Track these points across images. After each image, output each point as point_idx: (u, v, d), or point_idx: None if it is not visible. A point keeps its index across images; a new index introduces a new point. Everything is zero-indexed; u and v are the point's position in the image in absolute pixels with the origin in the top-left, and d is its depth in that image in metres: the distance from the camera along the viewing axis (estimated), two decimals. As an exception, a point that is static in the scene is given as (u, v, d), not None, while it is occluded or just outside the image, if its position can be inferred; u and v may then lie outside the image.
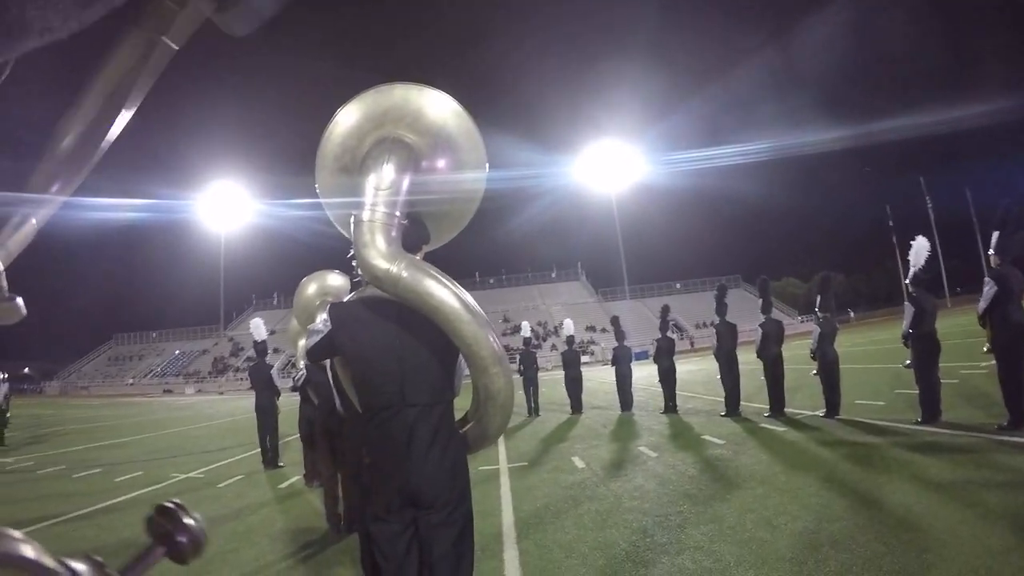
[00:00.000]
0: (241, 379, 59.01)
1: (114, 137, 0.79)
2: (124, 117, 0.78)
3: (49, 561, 0.39)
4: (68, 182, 0.78)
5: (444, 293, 2.30)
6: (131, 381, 69.31)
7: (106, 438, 17.98)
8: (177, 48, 0.75)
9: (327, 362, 4.92)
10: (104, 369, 76.48)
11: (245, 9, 0.67)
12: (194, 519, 0.73)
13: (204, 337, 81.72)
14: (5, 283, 0.76)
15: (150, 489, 8.97)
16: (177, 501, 0.75)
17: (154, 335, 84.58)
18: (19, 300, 0.79)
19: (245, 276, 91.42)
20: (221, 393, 55.65)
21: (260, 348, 10.39)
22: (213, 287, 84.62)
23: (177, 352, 77.20)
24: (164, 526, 0.73)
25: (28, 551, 0.39)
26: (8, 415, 17.90)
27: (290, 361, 10.50)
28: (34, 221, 0.78)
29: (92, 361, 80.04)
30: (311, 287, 5.71)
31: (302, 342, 7.78)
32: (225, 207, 79.78)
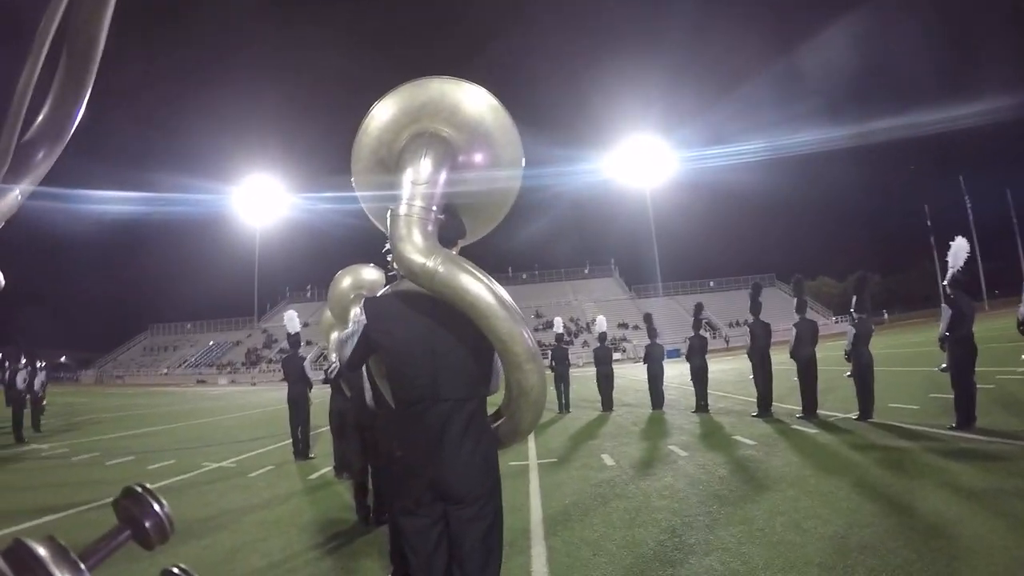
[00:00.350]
0: (274, 371, 59.61)
1: (89, 89, 0.78)
2: (94, 61, 0.77)
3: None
4: (51, 149, 0.78)
5: (480, 288, 2.30)
6: (165, 371, 70.42)
7: (139, 427, 18.30)
8: None
9: None
10: (139, 359, 77.73)
11: None
12: (161, 504, 0.74)
13: (238, 329, 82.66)
14: None
15: (181, 477, 9.11)
16: (145, 485, 0.76)
17: (189, 326, 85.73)
18: None
19: (279, 269, 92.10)
20: (253, 384, 56.30)
21: (293, 340, 10.49)
22: (248, 279, 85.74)
23: (211, 343, 78.17)
24: (130, 509, 0.74)
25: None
26: (44, 402, 18.26)
27: (322, 353, 10.58)
28: (17, 192, 0.78)
29: (128, 351, 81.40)
30: (346, 280, 5.75)
31: (334, 335, 7.82)
32: (261, 200, 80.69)
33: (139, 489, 0.76)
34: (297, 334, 10.46)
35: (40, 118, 0.76)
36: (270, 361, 66.82)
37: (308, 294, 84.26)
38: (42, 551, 0.53)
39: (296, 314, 10.72)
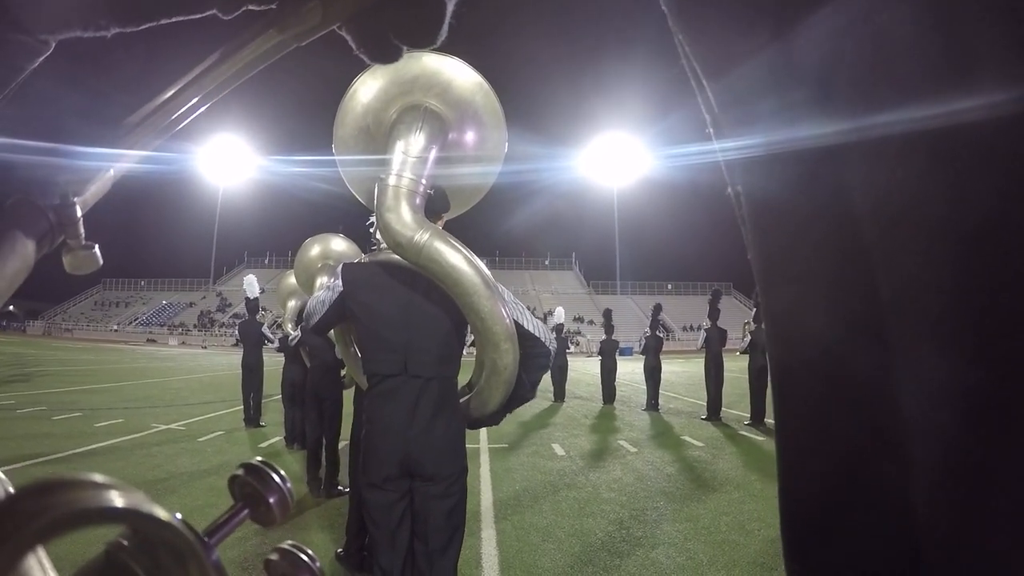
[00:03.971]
0: (225, 335, 58.94)
1: (203, 108, 0.82)
2: (220, 95, 0.80)
3: (162, 513, 0.39)
4: (151, 142, 0.81)
5: (465, 265, 2.29)
6: (115, 327, 69.07)
7: (87, 382, 17.92)
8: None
9: None
10: (89, 313, 76.14)
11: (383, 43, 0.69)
12: (283, 477, 0.75)
13: (192, 290, 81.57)
14: (83, 231, 0.78)
15: (130, 437, 8.95)
16: (264, 460, 0.77)
17: (142, 283, 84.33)
18: (96, 248, 0.81)
19: (239, 232, 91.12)
20: (204, 347, 55.45)
21: (252, 306, 10.36)
22: (206, 241, 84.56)
23: (164, 303, 76.95)
24: (251, 485, 0.74)
25: (140, 501, 0.40)
26: (-11, 352, 17.84)
27: (276, 321, 10.48)
28: (112, 171, 0.81)
29: (78, 304, 79.64)
30: (315, 248, 5.71)
31: (291, 303, 7.77)
32: (225, 161, 79.34)
33: (259, 464, 0.76)
34: (256, 299, 10.32)
35: (157, 115, 0.79)
36: (223, 325, 65.99)
37: (267, 260, 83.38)
38: (178, 522, 0.53)
39: (256, 279, 10.58)
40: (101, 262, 0.85)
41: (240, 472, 0.79)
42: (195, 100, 0.79)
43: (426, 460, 2.36)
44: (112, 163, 0.79)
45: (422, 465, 2.36)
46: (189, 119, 0.83)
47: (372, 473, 2.39)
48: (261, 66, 0.79)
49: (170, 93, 0.75)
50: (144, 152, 0.81)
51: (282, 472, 0.79)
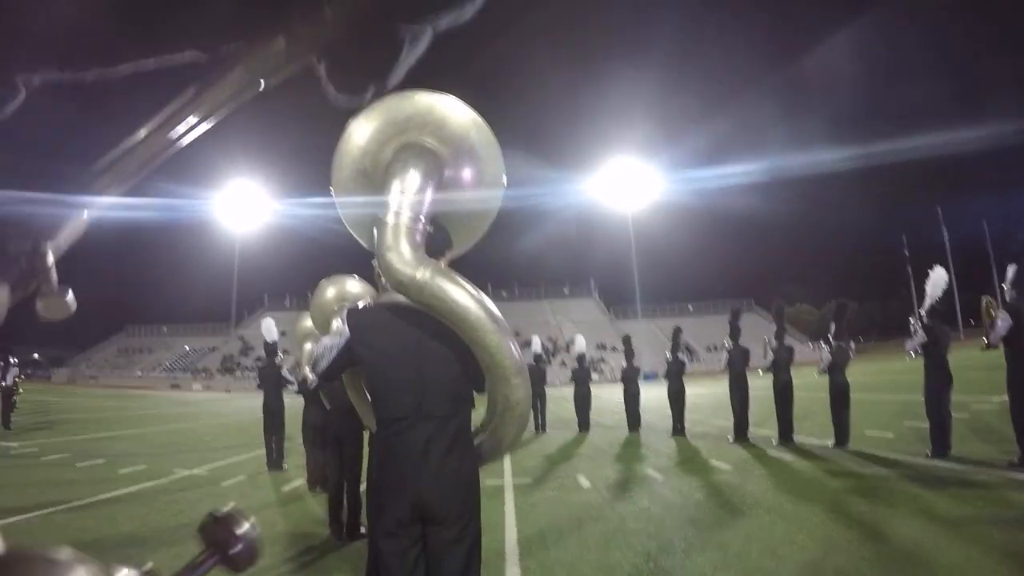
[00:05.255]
0: (248, 379, 59.15)
1: (175, 150, 0.81)
2: (192, 138, 0.80)
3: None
4: (126, 184, 0.80)
5: (470, 301, 2.27)
6: (139, 373, 69.63)
7: (111, 429, 18.05)
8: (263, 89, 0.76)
9: None
10: (113, 360, 76.82)
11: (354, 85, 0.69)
12: (250, 526, 0.72)
13: (214, 335, 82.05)
14: (55, 277, 0.77)
15: (153, 483, 8.95)
16: (233, 507, 0.74)
17: (165, 329, 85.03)
18: (70, 294, 0.79)
19: (258, 276, 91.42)
20: (228, 392, 55.79)
21: (271, 349, 10.40)
22: (226, 285, 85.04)
23: (187, 348, 77.54)
24: (218, 534, 0.72)
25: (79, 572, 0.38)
26: (15, 399, 18.01)
27: (297, 363, 10.50)
28: (85, 215, 0.80)
29: (102, 351, 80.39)
30: (330, 291, 5.69)
31: (308, 346, 7.76)
32: (242, 206, 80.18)
33: (227, 512, 0.75)
34: (275, 343, 10.36)
35: (128, 159, 0.78)
36: (246, 369, 66.29)
37: (287, 303, 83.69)
38: None
39: (274, 322, 10.62)
40: (74, 307, 0.83)
41: (209, 520, 0.77)
42: (164, 142, 0.78)
43: (438, 501, 2.30)
44: (84, 208, 0.77)
45: (434, 506, 2.30)
46: (159, 161, 0.82)
47: (386, 519, 2.34)
48: (232, 106, 0.78)
49: (140, 136, 0.74)
50: (117, 197, 0.80)
51: (251, 520, 0.75)
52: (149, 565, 0.58)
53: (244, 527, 0.74)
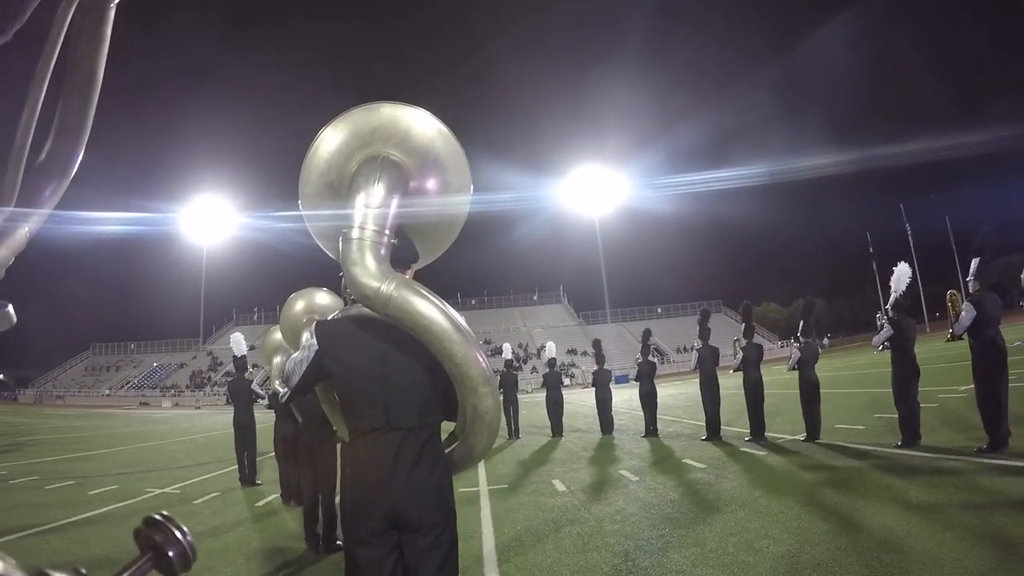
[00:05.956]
0: (218, 394, 58.53)
1: (90, 122, 0.79)
2: (93, 97, 0.77)
3: None
4: (58, 184, 0.78)
5: (435, 313, 2.27)
6: (108, 392, 68.39)
7: (80, 449, 17.76)
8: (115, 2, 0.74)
9: None
10: (80, 379, 75.39)
11: None
12: (183, 532, 0.72)
13: (183, 350, 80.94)
14: None
15: (124, 504, 8.82)
16: (166, 514, 0.74)
17: (132, 346, 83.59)
18: (10, 308, 0.78)
19: (226, 290, 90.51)
20: (198, 408, 55.04)
21: (240, 363, 10.31)
22: (193, 300, 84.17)
23: (155, 364, 76.33)
24: (152, 538, 0.72)
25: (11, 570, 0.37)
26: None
27: (268, 377, 10.42)
28: (26, 229, 0.77)
29: (69, 370, 78.80)
30: (299, 304, 5.65)
31: (277, 359, 7.70)
32: (208, 220, 79.37)
33: (160, 517, 0.75)
34: (244, 357, 10.28)
35: (44, 155, 0.76)
36: (216, 384, 65.53)
37: (256, 316, 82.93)
38: None
39: (243, 336, 10.56)
40: (15, 320, 0.82)
41: (143, 526, 0.77)
42: (70, 120, 0.76)
43: (411, 510, 2.29)
44: (22, 222, 0.76)
45: (407, 515, 2.29)
46: (82, 138, 0.80)
47: (358, 527, 2.33)
48: (101, 47, 0.75)
49: (20, 122, 0.72)
50: (55, 200, 0.78)
51: (184, 527, 0.76)
52: (83, 571, 0.58)
53: (179, 531, 0.74)
